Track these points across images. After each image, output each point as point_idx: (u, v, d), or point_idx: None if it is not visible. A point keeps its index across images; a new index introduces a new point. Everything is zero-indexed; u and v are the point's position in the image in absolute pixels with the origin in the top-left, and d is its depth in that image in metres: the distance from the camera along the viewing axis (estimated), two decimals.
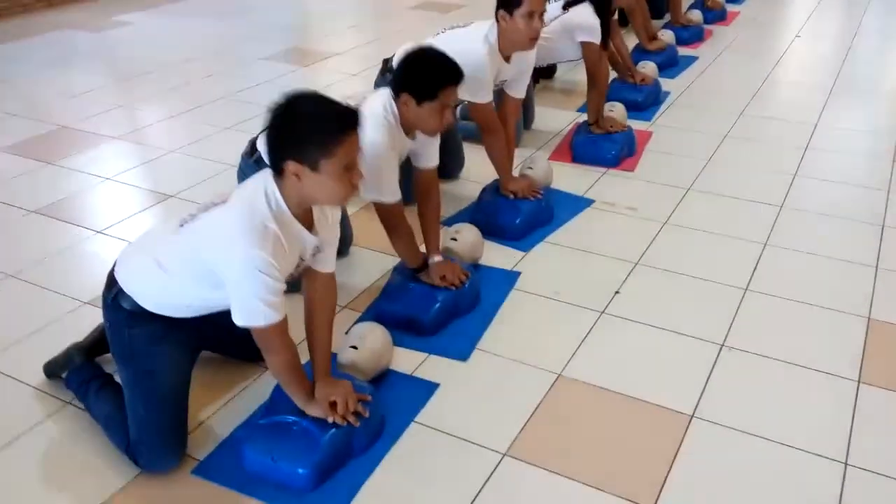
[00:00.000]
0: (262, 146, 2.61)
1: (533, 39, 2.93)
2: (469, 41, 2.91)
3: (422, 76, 2.35)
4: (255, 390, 2.26)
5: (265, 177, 1.83)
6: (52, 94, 4.84)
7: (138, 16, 6.74)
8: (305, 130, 1.74)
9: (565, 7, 3.80)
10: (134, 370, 1.98)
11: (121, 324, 1.98)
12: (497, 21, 2.93)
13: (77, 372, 2.24)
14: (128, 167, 3.82)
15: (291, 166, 1.76)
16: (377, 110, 2.42)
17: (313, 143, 1.74)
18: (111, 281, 2.00)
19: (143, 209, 3.37)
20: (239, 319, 1.82)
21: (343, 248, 2.98)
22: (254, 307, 1.79)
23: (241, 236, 1.74)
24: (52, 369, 2.31)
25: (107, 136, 4.18)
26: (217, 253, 1.79)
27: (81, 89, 4.91)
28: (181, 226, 1.93)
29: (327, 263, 2.05)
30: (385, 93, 2.47)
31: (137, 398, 1.98)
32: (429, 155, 2.65)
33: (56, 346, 2.35)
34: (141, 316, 1.95)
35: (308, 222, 1.89)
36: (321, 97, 1.80)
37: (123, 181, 3.66)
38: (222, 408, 2.22)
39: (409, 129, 2.48)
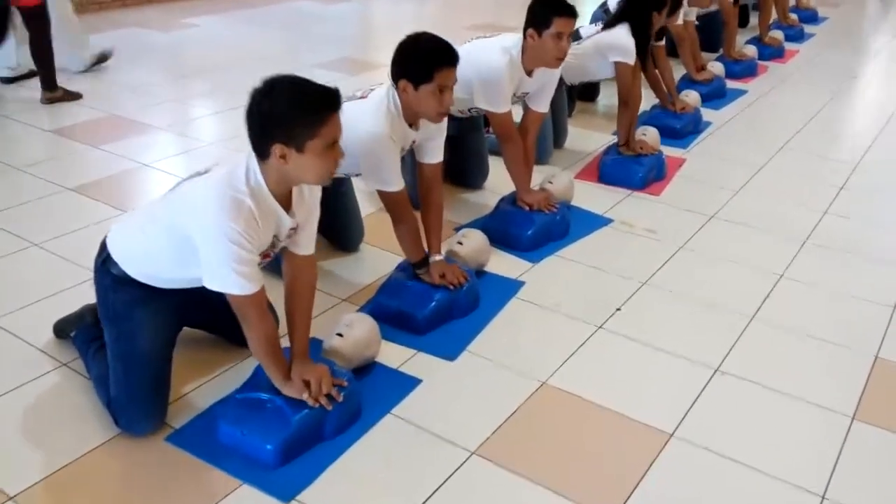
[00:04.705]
0: None
1: (559, 59, 2.97)
2: (490, 51, 2.95)
3: (416, 59, 2.39)
4: (239, 370, 2.30)
5: (248, 154, 1.89)
6: (111, 85, 5.06)
7: (207, 19, 7.00)
8: (290, 114, 1.79)
9: (604, 27, 3.80)
10: (116, 332, 2.05)
11: (107, 287, 2.06)
12: (525, 38, 2.96)
13: (86, 330, 2.32)
14: (166, 156, 3.96)
15: (278, 149, 1.81)
16: (379, 99, 2.47)
17: (298, 126, 1.79)
18: (102, 246, 2.08)
19: None
20: (210, 284, 1.87)
21: (353, 245, 3.03)
22: (225, 275, 1.84)
23: (215, 206, 1.79)
24: (62, 326, 2.41)
25: (153, 126, 4.34)
26: (191, 220, 1.85)
27: (140, 83, 5.12)
28: (165, 195, 2.01)
29: (305, 246, 2.09)
30: (388, 84, 2.51)
31: (118, 359, 2.05)
32: (432, 150, 2.67)
33: (65, 312, 2.44)
34: (125, 281, 2.02)
35: (286, 203, 1.94)
36: (301, 80, 1.85)
37: (159, 168, 3.79)
38: (204, 384, 2.27)
39: (411, 117, 2.50)
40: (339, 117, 1.86)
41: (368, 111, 2.42)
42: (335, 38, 6.56)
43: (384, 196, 2.54)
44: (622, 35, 3.67)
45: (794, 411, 2.26)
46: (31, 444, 2.05)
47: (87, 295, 2.55)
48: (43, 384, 2.27)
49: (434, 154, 2.67)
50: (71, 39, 5.02)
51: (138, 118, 4.45)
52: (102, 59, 5.32)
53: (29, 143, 4.09)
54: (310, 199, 2.04)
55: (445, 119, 2.56)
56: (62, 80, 4.68)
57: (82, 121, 4.36)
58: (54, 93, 4.58)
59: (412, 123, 2.51)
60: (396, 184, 2.51)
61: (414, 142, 2.60)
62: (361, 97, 2.53)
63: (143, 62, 5.62)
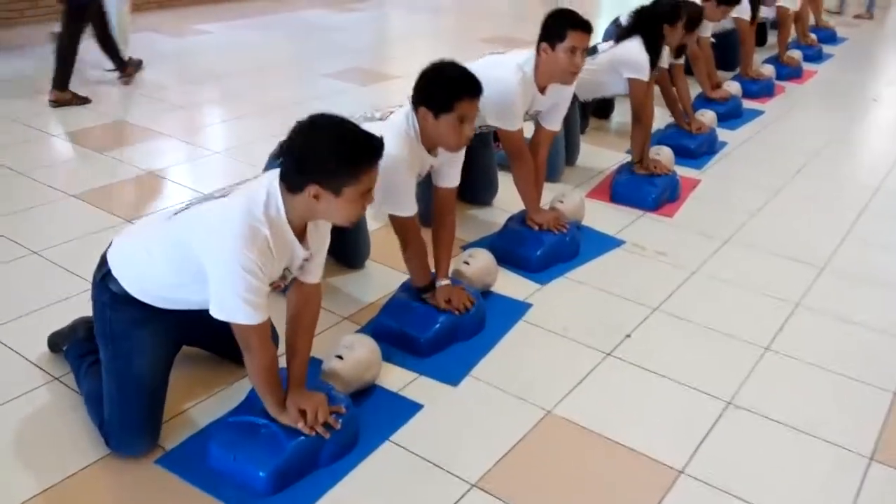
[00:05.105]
0: None
1: (573, 74, 2.90)
2: (502, 68, 2.88)
3: (437, 89, 2.33)
4: (235, 390, 2.23)
5: (270, 180, 1.83)
6: (120, 89, 5.03)
7: (219, 26, 6.98)
8: (334, 160, 1.76)
9: (616, 40, 3.74)
10: (112, 351, 1.98)
11: (104, 304, 1.99)
12: (538, 53, 2.90)
13: (78, 344, 2.26)
14: (171, 163, 3.91)
15: (313, 189, 1.77)
16: (399, 124, 2.41)
17: (340, 172, 1.76)
18: (103, 261, 2.01)
19: (174, 204, 3.42)
20: (216, 313, 1.81)
21: (358, 262, 2.96)
22: (233, 304, 1.79)
23: (231, 234, 1.74)
24: (56, 340, 2.35)
25: (161, 133, 4.30)
26: (205, 245, 1.79)
27: (149, 88, 5.09)
28: (175, 214, 1.94)
29: (314, 274, 2.02)
30: (408, 107, 2.45)
31: (112, 378, 1.98)
32: (449, 175, 2.61)
33: (61, 324, 2.38)
34: (124, 299, 1.96)
35: (301, 234, 1.88)
36: (348, 124, 1.82)
37: (164, 176, 3.74)
38: (200, 403, 2.20)
39: (430, 144, 2.45)
40: (379, 165, 1.82)
41: (387, 134, 2.35)
42: (347, 47, 6.52)
43: (396, 220, 2.48)
44: (636, 50, 3.59)
45: (809, 449, 2.17)
46: (17, 463, 1.99)
47: (85, 307, 2.50)
48: (33, 399, 2.20)
49: (450, 178, 2.61)
50: (121, 34, 5.07)
51: (146, 124, 4.40)
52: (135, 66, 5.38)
53: (34, 148, 4.04)
54: (323, 228, 1.99)
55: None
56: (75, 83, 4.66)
57: (90, 126, 4.32)
58: (63, 94, 4.54)
59: (430, 149, 2.45)
60: (409, 209, 2.45)
61: (431, 166, 2.54)
62: (380, 119, 2.47)
63: (153, 67, 5.57)
